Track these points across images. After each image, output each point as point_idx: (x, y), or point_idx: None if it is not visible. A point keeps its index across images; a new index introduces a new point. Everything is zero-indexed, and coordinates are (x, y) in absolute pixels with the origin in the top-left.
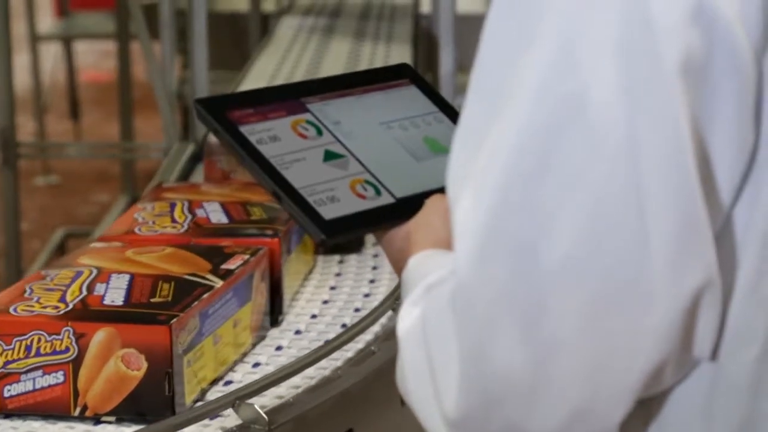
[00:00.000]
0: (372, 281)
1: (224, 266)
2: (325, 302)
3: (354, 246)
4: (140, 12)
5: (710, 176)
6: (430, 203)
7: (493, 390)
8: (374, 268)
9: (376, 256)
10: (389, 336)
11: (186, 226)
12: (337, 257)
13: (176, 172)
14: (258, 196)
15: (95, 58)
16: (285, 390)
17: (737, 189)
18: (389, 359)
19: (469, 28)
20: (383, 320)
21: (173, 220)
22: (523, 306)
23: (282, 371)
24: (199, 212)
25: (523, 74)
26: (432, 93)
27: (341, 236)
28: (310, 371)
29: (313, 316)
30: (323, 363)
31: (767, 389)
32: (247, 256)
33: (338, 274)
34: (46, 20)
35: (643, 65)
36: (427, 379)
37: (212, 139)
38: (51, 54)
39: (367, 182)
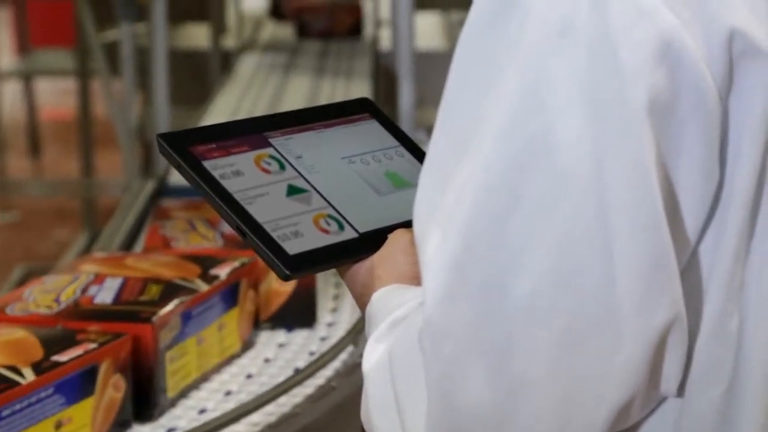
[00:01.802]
0: (297, 371)
1: (56, 357)
2: (228, 394)
3: (306, 320)
4: (101, 49)
5: (676, 214)
6: (393, 238)
7: (462, 427)
8: (311, 353)
9: (323, 339)
10: (350, 372)
11: (63, 306)
12: (280, 338)
13: (136, 208)
14: (178, 273)
15: (55, 95)
16: (243, 428)
17: (703, 226)
18: (349, 395)
19: (428, 64)
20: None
21: (56, 299)
22: (490, 343)
23: (239, 410)
24: (92, 290)
25: (491, 112)
26: (393, 127)
27: (305, 271)
28: (269, 408)
29: (202, 411)
30: (282, 399)
31: (733, 426)
32: (93, 345)
33: (267, 360)
34: (6, 58)
35: (609, 105)
36: (394, 416)
37: (171, 183)
38: (11, 91)
39: (331, 217)
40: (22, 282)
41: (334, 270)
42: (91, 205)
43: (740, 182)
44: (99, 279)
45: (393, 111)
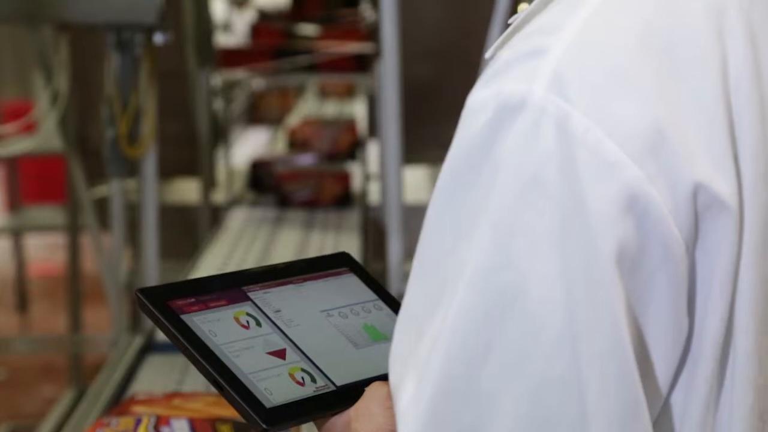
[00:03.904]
0: None
1: None
2: None
3: None
4: (91, 205)
5: (647, 364)
6: (370, 391)
7: None
8: None
9: None
10: None
11: None
12: None
13: (123, 365)
14: None
15: (44, 250)
16: None
17: (674, 376)
18: None
19: (417, 217)
20: None
21: None
22: None
23: None
24: None
25: (463, 263)
26: (371, 281)
27: (282, 424)
28: None
29: None
30: None
31: None
32: None
33: None
34: None
35: (579, 256)
36: None
37: (159, 339)
38: (0, 248)
39: (308, 370)
40: None
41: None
42: (78, 361)
43: (709, 334)
44: None
45: (382, 264)
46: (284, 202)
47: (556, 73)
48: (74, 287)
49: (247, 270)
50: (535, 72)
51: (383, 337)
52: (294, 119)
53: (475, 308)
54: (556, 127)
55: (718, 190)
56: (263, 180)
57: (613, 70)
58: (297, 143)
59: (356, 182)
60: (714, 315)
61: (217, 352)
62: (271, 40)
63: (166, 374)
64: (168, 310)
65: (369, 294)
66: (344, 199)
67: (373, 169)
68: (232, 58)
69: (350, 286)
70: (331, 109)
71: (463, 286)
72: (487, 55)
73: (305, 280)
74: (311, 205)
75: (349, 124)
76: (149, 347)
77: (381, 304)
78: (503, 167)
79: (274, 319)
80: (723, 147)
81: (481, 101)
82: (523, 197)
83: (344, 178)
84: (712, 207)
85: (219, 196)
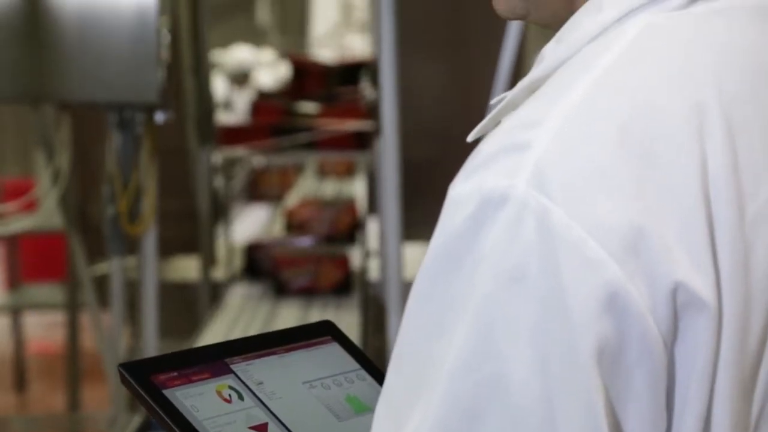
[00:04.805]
0: None
1: None
2: None
3: None
4: (90, 282)
5: None
6: None
7: None
8: None
9: None
10: None
11: None
12: None
13: None
14: None
15: (43, 328)
16: None
17: None
18: None
19: None
20: None
21: None
22: None
23: None
24: None
25: (444, 354)
26: (354, 350)
27: None
28: None
29: None
30: None
31: None
32: None
33: None
34: None
35: (559, 352)
36: None
37: None
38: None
39: None
40: None
41: None
42: None
43: (686, 430)
44: None
45: (382, 340)
46: (281, 289)
47: (538, 168)
48: (73, 365)
49: (229, 341)
50: (517, 167)
51: (366, 408)
52: (293, 199)
53: (457, 401)
54: (537, 222)
55: (697, 288)
56: (260, 264)
57: (593, 167)
58: (295, 225)
59: (356, 265)
60: (692, 412)
61: (199, 429)
62: (271, 118)
63: None
64: (150, 384)
65: (352, 363)
66: (343, 285)
67: (373, 245)
68: (232, 135)
69: (333, 355)
70: (330, 188)
71: (444, 378)
72: (470, 138)
73: (288, 350)
74: (309, 292)
75: (349, 205)
76: (148, 426)
77: (364, 373)
78: (486, 260)
79: (256, 392)
80: (702, 244)
81: (464, 195)
82: (504, 290)
83: (343, 263)
84: (691, 305)
85: (219, 273)
